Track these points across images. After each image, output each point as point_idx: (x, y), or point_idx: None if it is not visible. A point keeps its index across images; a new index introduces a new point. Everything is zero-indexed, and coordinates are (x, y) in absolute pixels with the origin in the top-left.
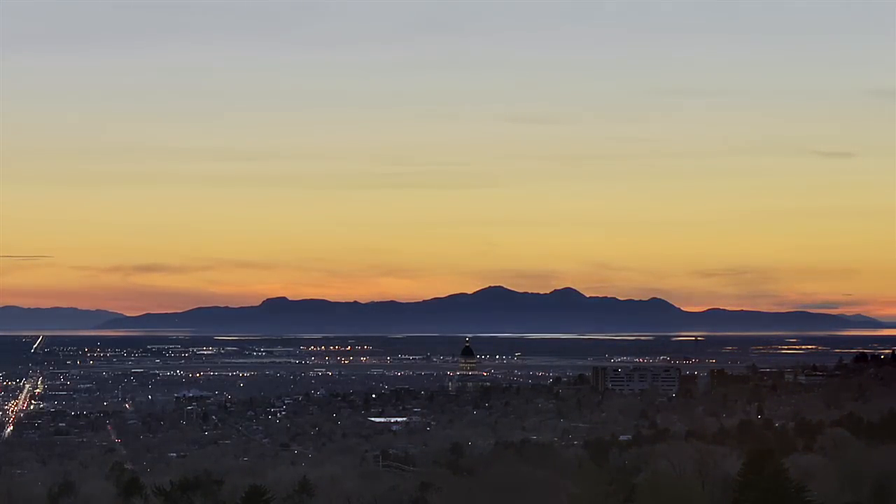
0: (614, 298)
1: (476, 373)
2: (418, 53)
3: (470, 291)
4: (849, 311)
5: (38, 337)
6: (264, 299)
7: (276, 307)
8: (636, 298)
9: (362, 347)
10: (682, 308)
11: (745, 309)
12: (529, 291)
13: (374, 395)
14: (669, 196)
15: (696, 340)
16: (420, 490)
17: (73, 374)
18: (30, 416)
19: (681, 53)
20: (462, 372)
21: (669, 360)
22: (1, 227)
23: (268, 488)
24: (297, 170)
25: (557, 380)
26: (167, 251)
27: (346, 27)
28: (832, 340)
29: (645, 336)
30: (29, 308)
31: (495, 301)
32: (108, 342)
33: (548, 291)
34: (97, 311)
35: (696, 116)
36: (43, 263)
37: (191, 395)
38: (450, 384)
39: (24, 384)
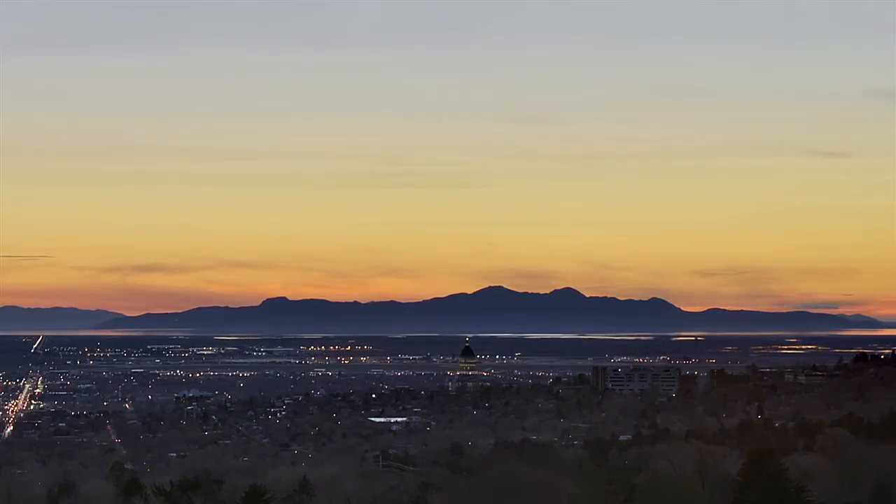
0: (614, 298)
1: (476, 373)
2: (418, 53)
3: (470, 291)
4: (849, 311)
5: (38, 337)
6: (264, 299)
7: (276, 307)
8: (636, 298)
9: (362, 347)
10: (682, 308)
11: (745, 309)
12: (529, 291)
13: (374, 395)
14: (669, 196)
15: (696, 340)
16: (420, 490)
17: (73, 374)
18: (30, 416)
19: (681, 53)
20: (462, 372)
21: (669, 360)
22: (1, 227)
23: (268, 488)
24: (297, 170)
25: (557, 380)
26: (167, 251)
27: (345, 27)
28: (832, 340)
29: (645, 336)
30: (29, 308)
31: (495, 301)
32: (108, 342)
33: (548, 291)
34: (97, 311)
35: (696, 116)
36: (43, 263)
37: (191, 395)
38: (450, 384)
39: (24, 384)
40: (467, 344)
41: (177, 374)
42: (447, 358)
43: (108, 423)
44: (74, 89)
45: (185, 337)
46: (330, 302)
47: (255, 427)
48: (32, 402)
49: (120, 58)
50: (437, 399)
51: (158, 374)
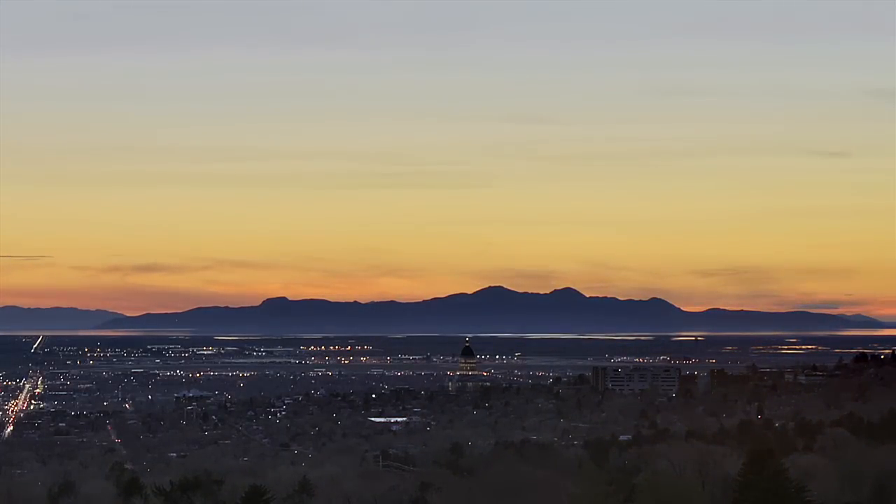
0: (614, 298)
1: (476, 373)
2: (418, 53)
3: (470, 291)
4: (849, 311)
5: (38, 337)
6: (264, 299)
7: (276, 307)
8: (636, 298)
9: (362, 347)
10: (682, 308)
11: (745, 309)
12: (529, 291)
13: (374, 395)
14: (669, 196)
15: (696, 340)
16: (420, 490)
17: (73, 374)
18: (30, 416)
19: (681, 53)
20: (462, 372)
21: (669, 360)
22: (1, 227)
23: (268, 488)
24: (297, 170)
25: (557, 380)
26: (167, 251)
27: (345, 27)
28: (832, 340)
29: (645, 336)
30: (29, 308)
31: (495, 301)
32: (108, 342)
33: (548, 291)
34: (97, 311)
35: (696, 116)
36: (43, 263)
37: (191, 395)
38: (450, 384)
39: (24, 384)
40: (467, 344)
41: (177, 374)
42: (447, 358)
43: (108, 423)
44: (74, 89)
45: (185, 337)
46: (330, 302)
47: (255, 427)
48: (32, 402)
49: (120, 58)
50: (437, 399)
51: (158, 374)
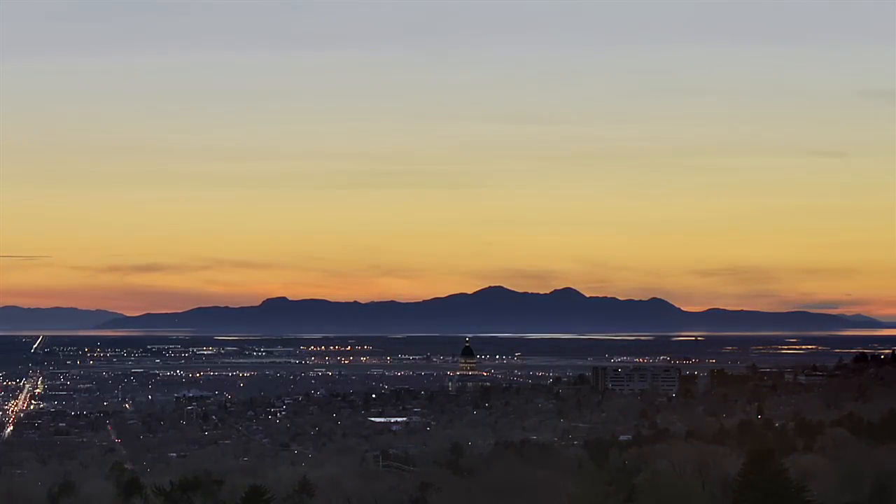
0: (614, 298)
1: (476, 373)
2: (418, 53)
3: (470, 291)
4: (849, 311)
5: (38, 337)
6: (264, 299)
7: (276, 307)
8: (636, 298)
9: (362, 347)
10: (682, 308)
11: (745, 309)
12: (529, 291)
13: (374, 395)
14: (669, 196)
15: (696, 340)
16: (420, 490)
17: (73, 374)
18: (30, 416)
19: (681, 53)
20: (462, 372)
21: (669, 360)
22: (1, 227)
23: (268, 488)
24: (297, 170)
25: (557, 380)
26: (167, 251)
27: (344, 27)
28: (832, 340)
29: (645, 336)
30: (29, 308)
31: (495, 301)
32: (108, 342)
33: (547, 291)
34: (97, 311)
35: (696, 116)
36: (43, 263)
37: (191, 395)
38: (450, 384)
39: (24, 384)
40: (467, 344)
41: (177, 374)
42: (447, 358)
43: (108, 423)
44: (74, 89)
45: (185, 337)
46: (330, 302)
47: (255, 427)
48: (32, 402)
49: (120, 58)
50: (437, 399)
51: (158, 374)
